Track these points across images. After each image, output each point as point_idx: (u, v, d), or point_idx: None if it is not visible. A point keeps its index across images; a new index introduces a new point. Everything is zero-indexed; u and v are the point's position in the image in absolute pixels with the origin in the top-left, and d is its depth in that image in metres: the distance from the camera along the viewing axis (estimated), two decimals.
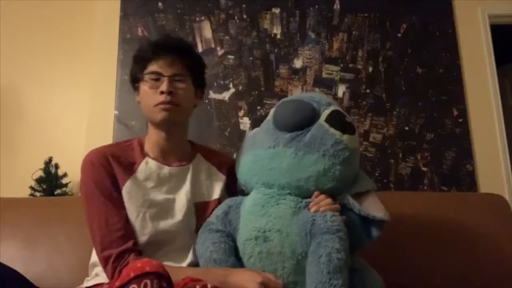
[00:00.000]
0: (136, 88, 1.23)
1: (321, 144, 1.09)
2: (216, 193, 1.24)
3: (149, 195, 1.15)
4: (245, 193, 1.20)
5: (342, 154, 1.10)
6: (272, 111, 1.22)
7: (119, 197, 1.14)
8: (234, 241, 1.11)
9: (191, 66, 1.20)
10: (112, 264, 1.06)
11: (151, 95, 1.16)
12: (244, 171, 1.18)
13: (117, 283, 0.75)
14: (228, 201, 1.16)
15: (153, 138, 1.22)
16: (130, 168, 1.17)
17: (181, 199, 1.18)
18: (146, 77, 1.17)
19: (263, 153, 1.13)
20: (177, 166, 1.22)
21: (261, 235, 1.05)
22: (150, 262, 0.77)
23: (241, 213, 1.11)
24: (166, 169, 1.20)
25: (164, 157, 1.22)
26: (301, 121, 1.12)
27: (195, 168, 1.24)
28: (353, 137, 1.15)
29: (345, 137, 1.12)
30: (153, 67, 1.17)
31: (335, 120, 1.13)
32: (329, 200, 1.07)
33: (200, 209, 1.19)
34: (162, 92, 1.13)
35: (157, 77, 1.16)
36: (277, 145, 1.12)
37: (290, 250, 1.03)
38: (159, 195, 1.17)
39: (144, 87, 1.17)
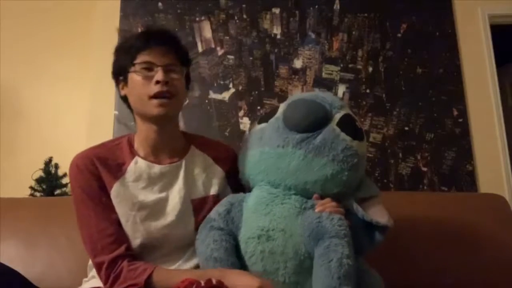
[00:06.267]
0: (119, 82, 1.16)
1: (331, 149, 1.08)
2: (214, 188, 1.18)
3: (138, 197, 1.11)
4: (244, 187, 1.18)
5: (351, 160, 1.09)
6: (281, 108, 1.17)
7: (109, 201, 1.10)
8: (235, 239, 1.08)
9: (182, 58, 1.16)
10: (106, 271, 1.03)
11: (144, 86, 1.08)
12: (249, 166, 1.15)
13: None
14: (230, 198, 1.13)
15: (143, 134, 1.16)
16: (118, 170, 1.13)
17: (174, 198, 1.13)
18: (137, 67, 1.09)
19: (271, 151, 1.11)
20: (169, 163, 1.16)
21: (264, 234, 1.04)
22: None
23: (243, 211, 1.09)
24: (156, 168, 1.14)
25: (155, 154, 1.16)
26: (313, 123, 1.09)
27: (189, 163, 1.18)
28: (362, 143, 1.15)
29: (355, 143, 1.11)
30: (144, 57, 1.09)
31: (346, 124, 1.12)
32: (334, 203, 1.07)
33: (197, 206, 1.14)
34: (157, 82, 1.07)
35: (150, 66, 1.09)
36: (286, 145, 1.09)
37: (293, 250, 1.02)
38: (150, 196, 1.12)
39: (135, 78, 1.10)
